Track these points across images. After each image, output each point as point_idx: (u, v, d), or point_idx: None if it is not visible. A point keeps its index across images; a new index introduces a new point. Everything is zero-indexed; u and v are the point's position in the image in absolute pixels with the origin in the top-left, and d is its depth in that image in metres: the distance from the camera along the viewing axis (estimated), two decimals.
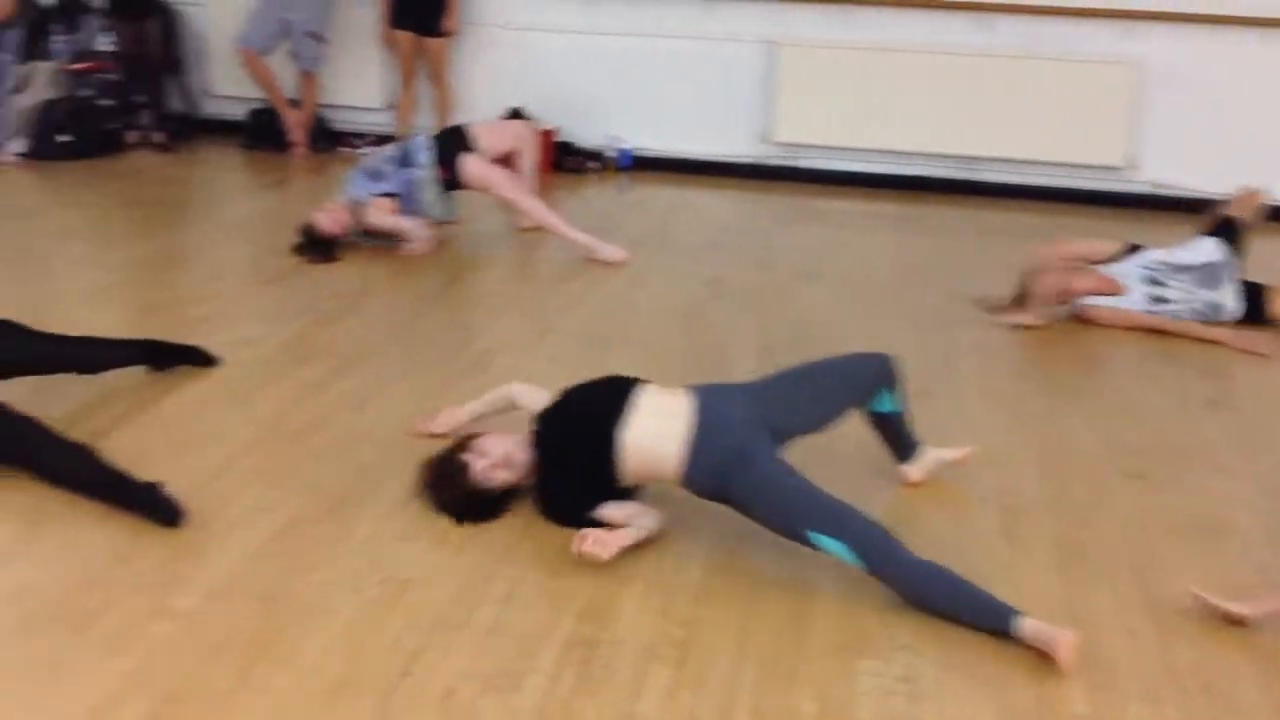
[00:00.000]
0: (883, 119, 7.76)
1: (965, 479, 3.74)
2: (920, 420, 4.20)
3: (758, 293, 5.57)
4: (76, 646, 2.70)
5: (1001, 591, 3.03)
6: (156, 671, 2.63)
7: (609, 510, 3.25)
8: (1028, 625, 2.84)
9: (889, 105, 7.73)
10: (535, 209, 5.98)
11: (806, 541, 3.02)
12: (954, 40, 7.63)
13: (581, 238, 5.92)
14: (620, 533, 3.20)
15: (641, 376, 3.41)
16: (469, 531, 3.28)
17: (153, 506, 3.25)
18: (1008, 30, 7.57)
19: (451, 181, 5.95)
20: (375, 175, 5.97)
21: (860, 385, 3.53)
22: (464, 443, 3.37)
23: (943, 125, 7.69)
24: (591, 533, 3.14)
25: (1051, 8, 7.47)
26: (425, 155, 5.95)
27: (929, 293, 5.68)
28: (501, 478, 3.30)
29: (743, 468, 3.09)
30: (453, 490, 3.30)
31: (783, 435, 3.27)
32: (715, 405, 3.25)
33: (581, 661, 2.74)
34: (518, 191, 6.00)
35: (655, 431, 3.19)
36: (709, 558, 3.21)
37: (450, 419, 3.82)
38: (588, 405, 3.32)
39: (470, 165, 5.93)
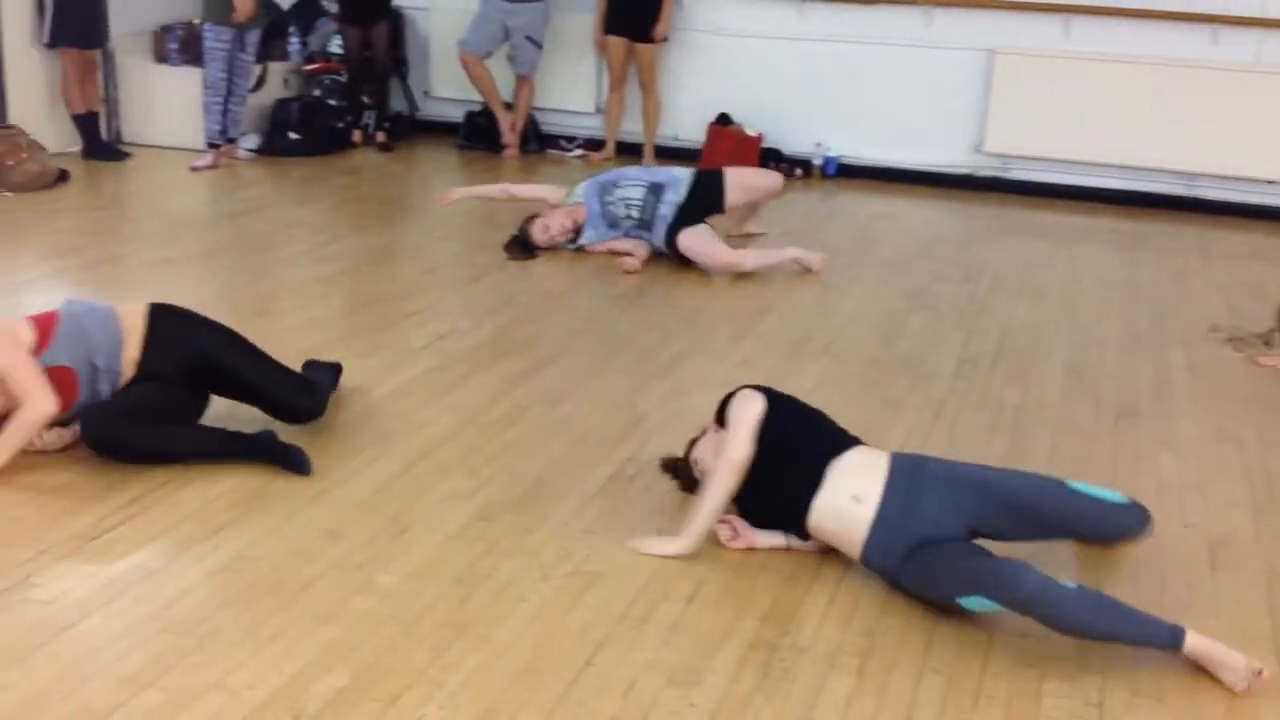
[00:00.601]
0: (1100, 131, 7.52)
1: (1171, 504, 3.61)
2: (1125, 441, 4.08)
3: (961, 305, 5.48)
4: (286, 615, 2.86)
5: (1206, 623, 2.93)
6: (357, 643, 2.77)
7: (766, 537, 3.28)
8: (1196, 643, 2.73)
9: (1107, 117, 7.49)
10: (742, 264, 5.79)
11: (959, 608, 2.92)
12: (1177, 51, 7.34)
13: (788, 254, 5.88)
14: (765, 534, 3.25)
15: (851, 434, 3.30)
16: (658, 529, 3.33)
17: (285, 457, 3.57)
18: (1234, 42, 7.25)
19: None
20: (612, 224, 5.95)
21: (1097, 534, 3.23)
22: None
23: (1163, 139, 7.41)
24: (736, 520, 3.24)
25: None
26: (674, 196, 5.85)
27: (1141, 312, 5.49)
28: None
29: (911, 559, 3.01)
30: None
31: (977, 534, 3.09)
32: (906, 495, 3.06)
33: (762, 664, 2.76)
34: (723, 264, 5.81)
35: (841, 514, 3.10)
36: None
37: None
38: (796, 451, 3.21)
39: (688, 240, 5.80)
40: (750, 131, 8.05)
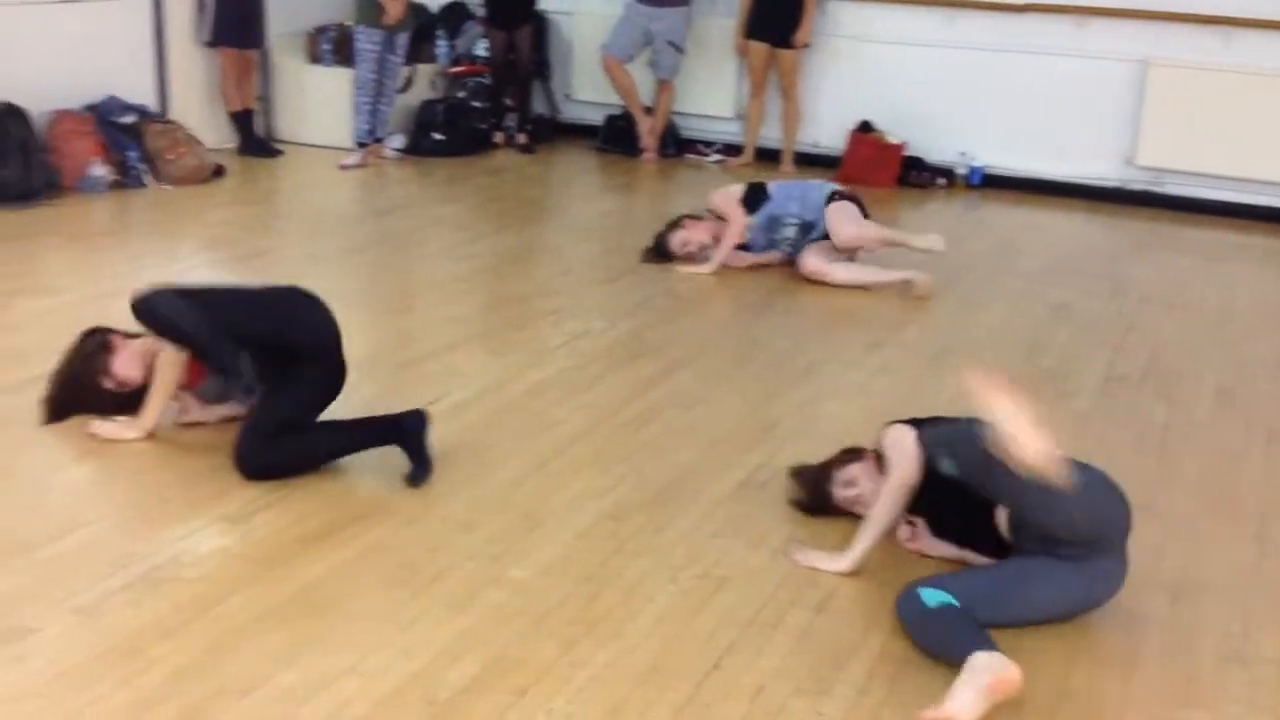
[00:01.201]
0: (1259, 147, 7.25)
1: None
2: (1276, 465, 3.93)
3: (1107, 321, 5.33)
4: (419, 604, 2.91)
5: None
6: (488, 634, 2.80)
7: (941, 546, 3.25)
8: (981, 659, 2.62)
9: (1267, 133, 7.21)
10: (859, 279, 5.69)
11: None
12: None
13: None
14: (940, 543, 3.21)
15: None
16: (788, 537, 3.31)
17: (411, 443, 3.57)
18: None
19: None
20: (766, 247, 5.86)
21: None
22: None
23: None
24: (920, 523, 3.24)
25: None
26: (817, 234, 5.75)
27: None
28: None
29: None
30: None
31: None
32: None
33: (892, 677, 2.72)
34: (811, 271, 5.72)
35: None
36: None
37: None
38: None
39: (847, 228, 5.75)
40: (892, 139, 7.96)
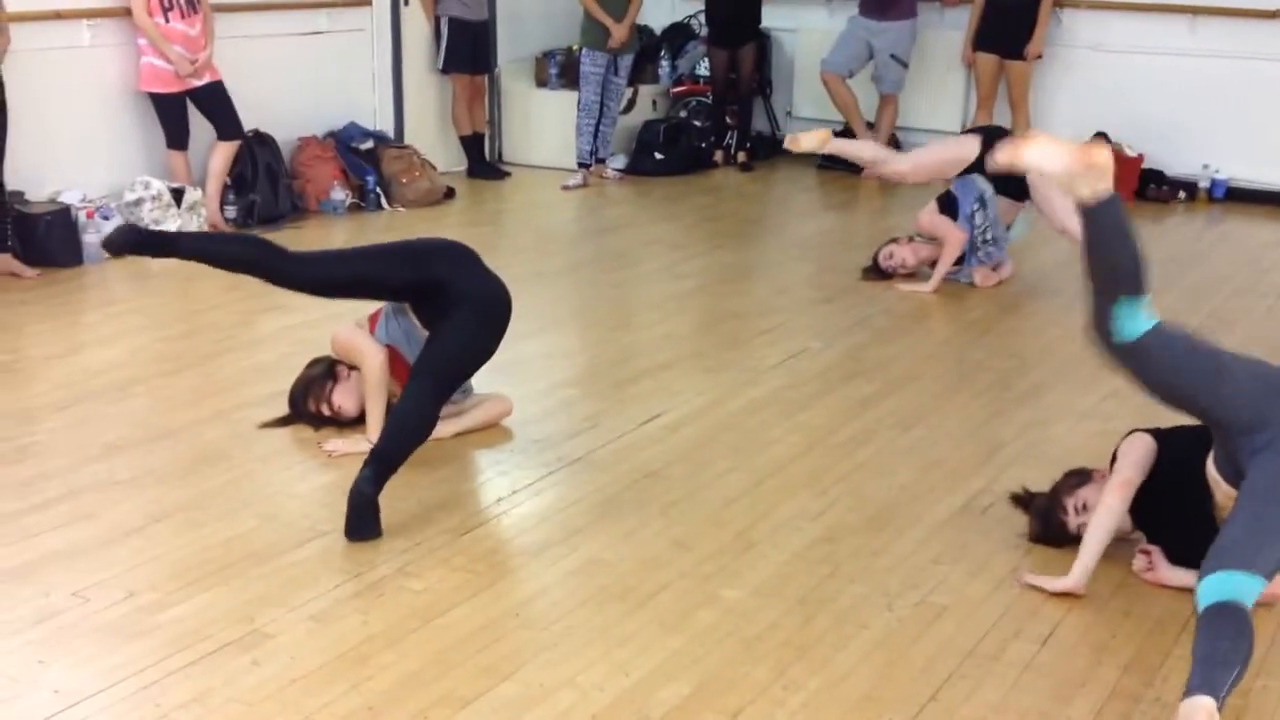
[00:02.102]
0: None
1: None
2: None
3: None
4: (634, 621, 2.95)
5: None
6: (701, 654, 2.81)
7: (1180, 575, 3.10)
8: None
9: None
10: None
11: None
12: None
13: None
14: (1180, 572, 3.07)
15: None
16: (1011, 565, 3.21)
17: None
18: None
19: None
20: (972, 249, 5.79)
21: None
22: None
23: None
24: (1155, 552, 3.12)
25: None
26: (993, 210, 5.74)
27: None
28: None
29: None
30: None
31: None
32: None
33: (1122, 715, 2.61)
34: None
35: None
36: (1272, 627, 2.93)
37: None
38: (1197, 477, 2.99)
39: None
40: (1130, 152, 7.64)
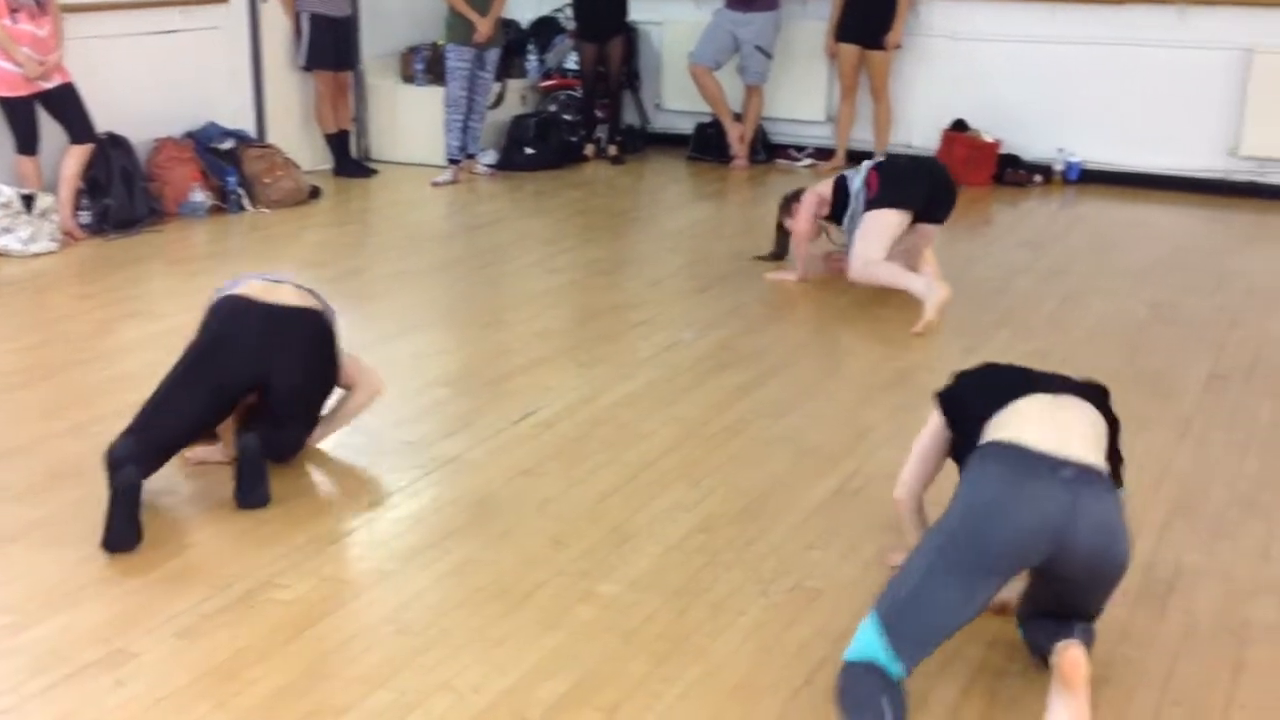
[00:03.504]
0: None
1: None
2: None
3: (1211, 318, 5.18)
4: (512, 621, 2.93)
5: None
6: (578, 651, 2.81)
7: None
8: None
9: None
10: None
11: None
12: None
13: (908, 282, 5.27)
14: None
15: None
16: (881, 547, 3.26)
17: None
18: None
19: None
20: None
21: None
22: None
23: None
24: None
25: None
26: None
27: None
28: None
29: None
30: None
31: None
32: None
33: (991, 690, 2.67)
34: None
35: None
36: (1133, 597, 3.03)
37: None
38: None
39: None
40: (987, 138, 7.83)
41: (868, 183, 5.33)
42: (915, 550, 2.58)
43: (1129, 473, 3.63)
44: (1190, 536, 3.33)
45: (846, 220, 5.45)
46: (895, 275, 5.16)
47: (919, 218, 5.31)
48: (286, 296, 3.71)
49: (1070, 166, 7.81)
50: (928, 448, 3.01)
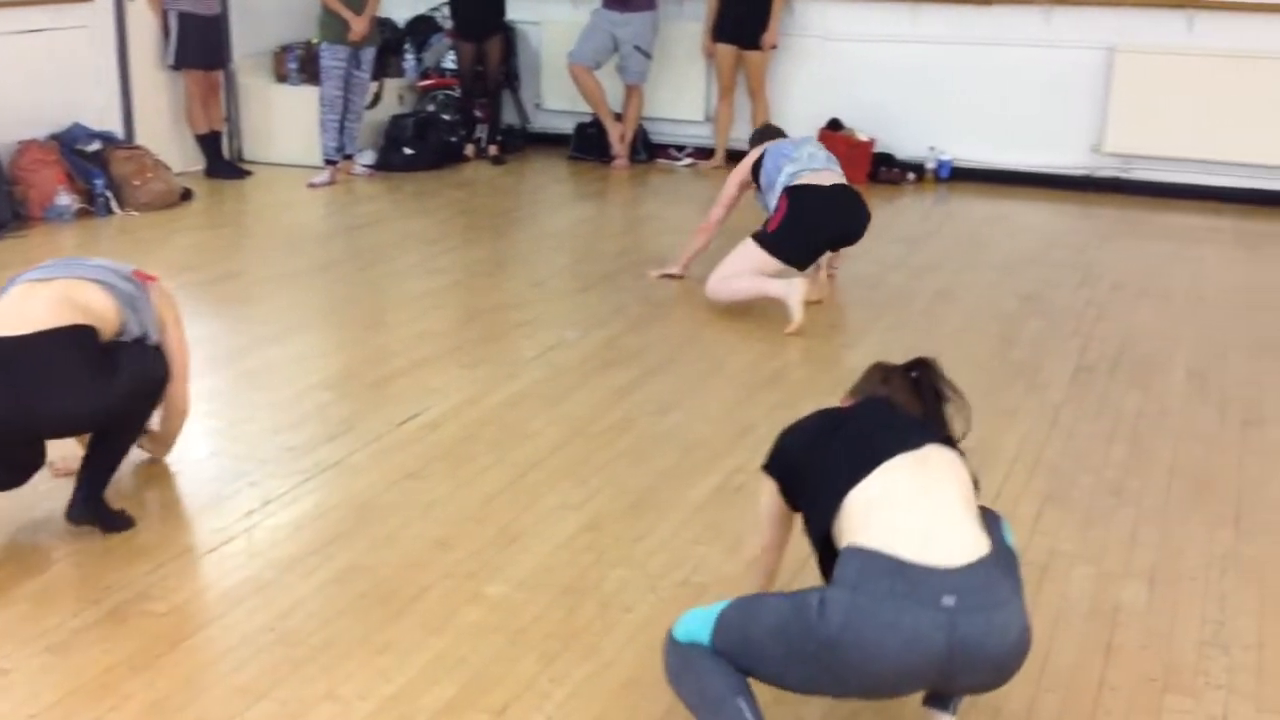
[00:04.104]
0: (1225, 129, 7.29)
1: None
2: (1252, 450, 3.95)
3: (1078, 310, 5.34)
4: (396, 626, 2.90)
5: None
6: (466, 653, 2.79)
7: None
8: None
9: (1233, 115, 7.25)
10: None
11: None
12: None
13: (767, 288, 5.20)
14: None
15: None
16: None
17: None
18: None
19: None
20: None
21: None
22: None
23: None
24: None
25: None
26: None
27: (1269, 316, 5.30)
28: None
29: None
30: None
31: None
32: None
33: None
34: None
35: None
36: None
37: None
38: None
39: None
40: (862, 136, 7.97)
41: (778, 205, 5.20)
42: (769, 629, 2.25)
43: (1001, 464, 3.78)
44: (1062, 524, 3.43)
45: (760, 196, 5.43)
46: (751, 285, 5.20)
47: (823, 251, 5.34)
48: (35, 314, 3.18)
49: (941, 164, 7.99)
50: (774, 516, 2.72)
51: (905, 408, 2.54)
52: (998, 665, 2.20)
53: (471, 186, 7.91)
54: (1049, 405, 4.27)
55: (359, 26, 7.54)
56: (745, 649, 2.27)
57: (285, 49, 8.30)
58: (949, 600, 2.13)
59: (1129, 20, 7.47)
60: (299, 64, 8.23)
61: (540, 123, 9.04)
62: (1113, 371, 4.61)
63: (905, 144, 8.01)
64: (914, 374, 2.60)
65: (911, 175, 7.98)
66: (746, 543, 2.84)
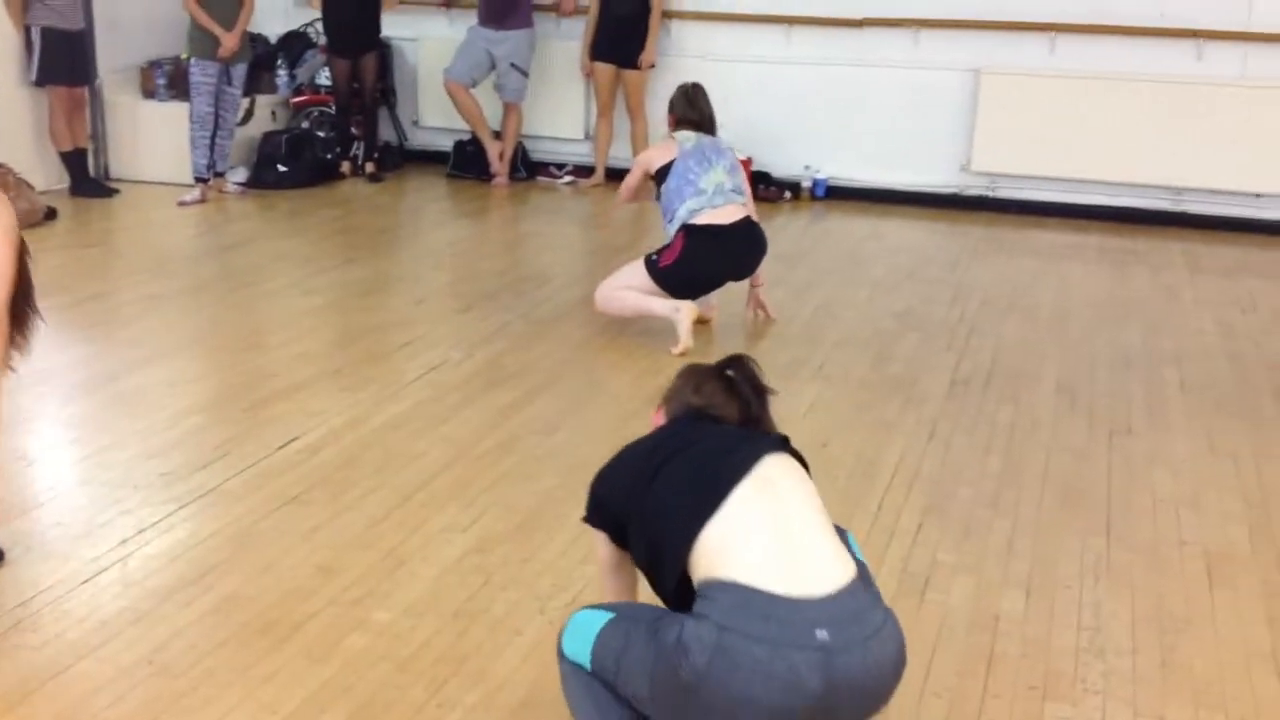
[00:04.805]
0: (1087, 148, 7.55)
1: (1168, 521, 3.60)
2: (1119, 460, 4.08)
3: (951, 326, 5.48)
4: (280, 656, 2.83)
5: (1204, 638, 2.93)
6: (352, 682, 2.74)
7: None
8: None
9: (1094, 134, 7.51)
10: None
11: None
12: (1162, 67, 7.37)
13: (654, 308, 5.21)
14: None
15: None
16: None
17: None
18: (1218, 56, 7.28)
19: None
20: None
21: None
22: None
23: (1150, 155, 7.43)
24: None
25: (1270, 34, 7.14)
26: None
27: (1132, 329, 5.49)
28: None
29: None
30: None
31: None
32: None
33: None
34: None
35: None
36: (892, 594, 3.17)
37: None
38: None
39: None
40: (740, 155, 8.04)
41: (674, 240, 5.17)
42: (637, 661, 2.15)
43: (882, 477, 3.85)
44: (942, 536, 3.50)
45: (662, 197, 5.35)
46: (639, 304, 5.22)
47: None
48: None
49: (817, 183, 8.13)
50: (614, 566, 2.53)
51: (723, 416, 2.41)
52: (877, 696, 2.13)
53: (348, 205, 7.80)
54: (926, 419, 4.37)
55: (230, 42, 7.40)
56: (617, 679, 2.20)
57: (153, 64, 8.11)
58: (823, 634, 2.02)
59: (994, 43, 7.69)
60: (168, 80, 8.05)
61: (418, 140, 8.96)
62: (986, 385, 4.73)
63: (782, 163, 8.13)
64: (729, 372, 2.49)
65: (788, 194, 8.10)
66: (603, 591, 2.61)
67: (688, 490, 2.22)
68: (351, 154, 8.44)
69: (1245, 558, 3.40)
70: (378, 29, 8.31)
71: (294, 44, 8.80)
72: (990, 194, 7.88)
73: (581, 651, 2.28)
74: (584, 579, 3.21)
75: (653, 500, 2.27)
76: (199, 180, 7.60)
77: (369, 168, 8.38)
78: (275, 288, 5.94)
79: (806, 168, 8.12)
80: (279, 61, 8.68)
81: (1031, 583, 3.25)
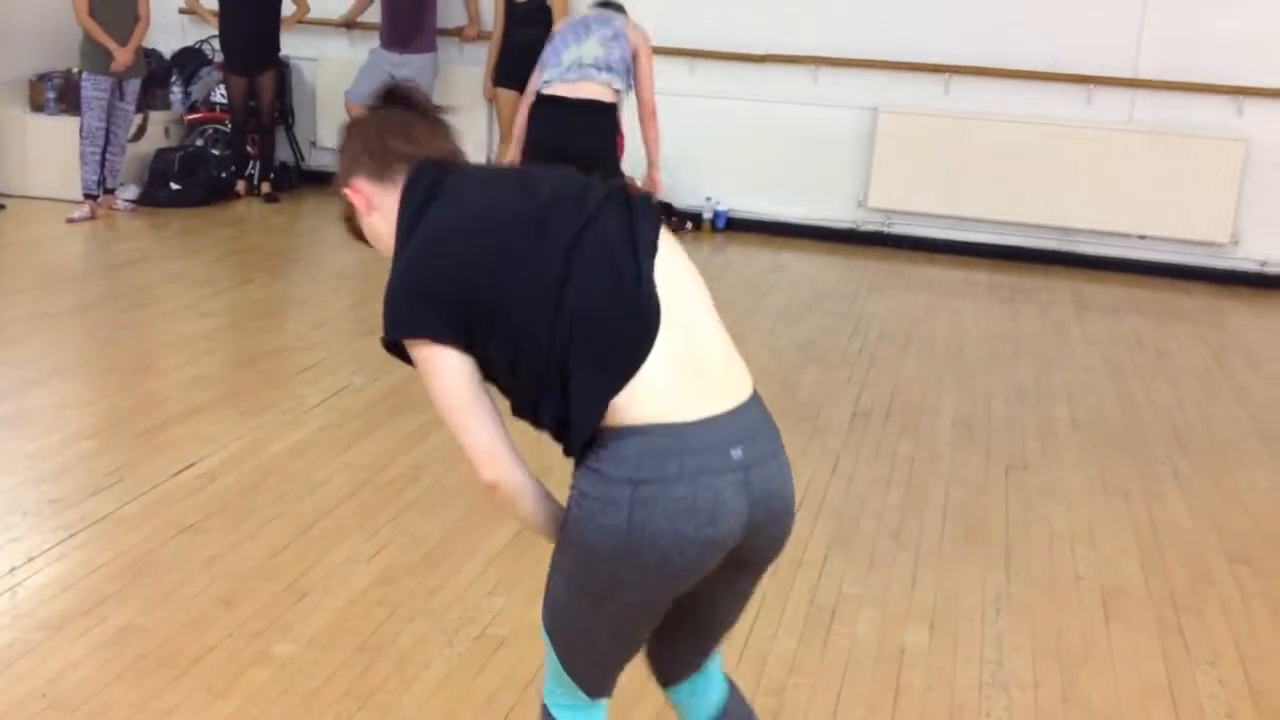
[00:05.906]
0: (980, 187, 7.73)
1: (1063, 555, 3.68)
2: (1015, 494, 4.16)
3: (851, 358, 5.55)
4: (178, 690, 2.75)
5: (1103, 673, 3.00)
6: (255, 717, 2.67)
7: None
8: None
9: (987, 174, 7.70)
10: None
11: None
12: (1053, 110, 7.59)
13: None
14: None
15: None
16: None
17: None
18: (1107, 102, 7.52)
19: None
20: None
21: None
22: None
23: (1041, 196, 7.63)
24: None
25: (1156, 81, 7.41)
26: None
27: (1024, 364, 5.62)
28: None
29: None
30: None
31: None
32: None
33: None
34: None
35: None
36: (800, 627, 3.19)
37: None
38: None
39: None
40: (636, 182, 8.09)
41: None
42: (573, 610, 2.00)
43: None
44: (847, 567, 3.54)
45: None
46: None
47: None
48: None
49: (718, 215, 8.20)
50: (479, 396, 2.05)
51: (452, 152, 2.05)
52: (788, 514, 1.98)
53: (243, 225, 7.66)
54: (830, 451, 4.42)
55: (123, 56, 7.24)
56: (589, 656, 2.00)
57: (43, 77, 7.89)
58: (737, 453, 1.87)
59: (891, 82, 7.85)
60: (58, 93, 7.83)
61: (315, 160, 8.83)
62: (886, 418, 4.81)
63: (683, 194, 8.19)
64: (400, 99, 2.10)
65: (690, 224, 8.16)
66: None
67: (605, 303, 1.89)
68: (247, 173, 8.29)
69: (1139, 592, 3.50)
70: (277, 47, 8.18)
71: (189, 60, 8.63)
72: (886, 229, 8.02)
73: (562, 690, 2.06)
74: (493, 611, 3.17)
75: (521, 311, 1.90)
76: (89, 197, 7.40)
77: (264, 187, 8.24)
78: (169, 309, 5.80)
79: (708, 199, 8.19)
80: (173, 78, 8.51)
81: (935, 615, 3.30)
